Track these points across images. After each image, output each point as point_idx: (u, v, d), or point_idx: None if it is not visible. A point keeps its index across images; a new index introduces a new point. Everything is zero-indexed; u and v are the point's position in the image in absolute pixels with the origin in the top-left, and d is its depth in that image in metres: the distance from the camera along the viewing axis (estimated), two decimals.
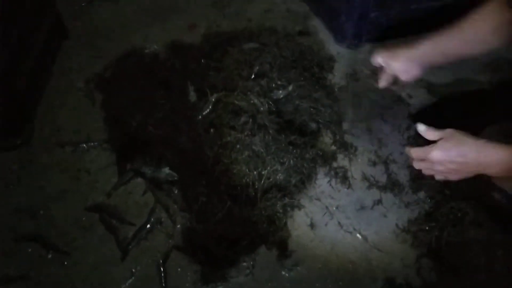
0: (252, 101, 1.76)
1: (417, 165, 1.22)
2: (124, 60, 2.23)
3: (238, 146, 1.65)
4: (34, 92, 2.19)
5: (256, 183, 1.62)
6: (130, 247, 1.63)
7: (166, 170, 1.84)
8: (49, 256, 1.63)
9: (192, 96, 1.92)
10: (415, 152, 1.20)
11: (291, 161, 1.66)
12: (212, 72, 1.95)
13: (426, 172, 1.22)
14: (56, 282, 1.57)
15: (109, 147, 1.98)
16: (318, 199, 1.72)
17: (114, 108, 2.05)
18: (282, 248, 1.57)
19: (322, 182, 1.79)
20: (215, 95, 1.80)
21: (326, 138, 1.88)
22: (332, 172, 1.78)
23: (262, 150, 1.63)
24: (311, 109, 1.78)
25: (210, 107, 1.81)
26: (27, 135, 2.05)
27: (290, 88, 1.78)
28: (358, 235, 1.63)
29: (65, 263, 1.61)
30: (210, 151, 1.68)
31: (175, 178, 1.82)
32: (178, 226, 1.69)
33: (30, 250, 1.65)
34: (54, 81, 2.32)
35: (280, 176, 1.64)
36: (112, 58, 2.33)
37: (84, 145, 2.00)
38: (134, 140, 1.93)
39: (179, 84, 1.96)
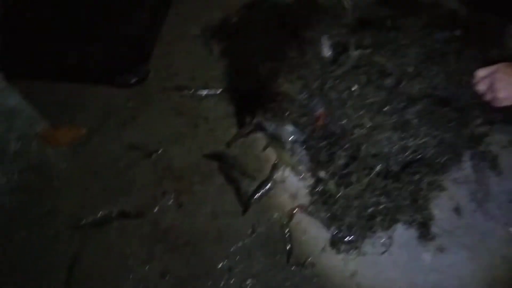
0: (401, 63, 1.56)
1: (480, 87, 1.33)
2: (249, 8, 2.08)
3: (385, 108, 1.45)
4: (150, 34, 2.10)
5: (401, 154, 1.42)
6: (251, 202, 1.49)
7: (290, 128, 1.69)
8: (166, 199, 1.53)
9: (327, 52, 1.74)
10: (481, 71, 1.32)
11: (443, 136, 1.44)
12: (351, 28, 1.75)
13: (487, 96, 1.32)
14: (171, 226, 1.47)
15: (228, 97, 1.85)
16: (465, 183, 1.50)
17: (235, 57, 1.92)
18: (424, 229, 1.38)
19: (468, 165, 1.56)
20: (359, 51, 1.61)
21: (477, 118, 1.64)
22: (481, 156, 1.55)
23: (413, 118, 1.43)
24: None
25: (350, 64, 1.62)
26: (142, 75, 1.97)
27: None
28: (511, 229, 1.40)
29: (181, 207, 1.50)
30: (351, 110, 1.50)
31: (301, 138, 1.66)
32: (304, 187, 1.52)
33: (146, 191, 1.55)
34: (169, 27, 2.22)
35: (428, 151, 1.43)
36: (233, 6, 2.19)
37: (202, 92, 1.88)
38: (257, 92, 1.78)
39: (313, 38, 1.78)
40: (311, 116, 1.61)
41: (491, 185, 1.51)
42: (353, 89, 1.54)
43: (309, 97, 1.61)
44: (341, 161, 1.45)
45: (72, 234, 1.43)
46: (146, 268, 1.37)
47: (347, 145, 1.47)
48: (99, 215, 1.47)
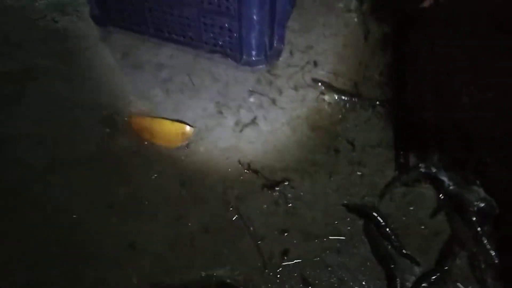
0: None
1: None
2: None
3: None
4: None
5: None
6: None
7: (481, 192, 1.13)
8: (286, 266, 1.07)
9: None
10: None
11: None
12: None
13: None
14: None
15: (388, 114, 1.29)
16: None
17: (410, 54, 1.32)
18: None
19: None
20: None
21: None
22: None
23: None
24: None
25: None
26: (272, 55, 1.45)
27: None
28: None
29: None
30: None
31: (495, 211, 1.10)
32: None
33: (261, 244, 1.11)
34: None
35: None
36: None
37: (349, 98, 1.33)
38: (430, 122, 1.21)
39: None
40: None
41: None
42: None
43: None
44: None
45: None
46: None
47: None
48: (192, 277, 1.05)
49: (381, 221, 1.12)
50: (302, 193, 1.18)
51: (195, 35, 1.37)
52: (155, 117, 1.31)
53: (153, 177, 1.20)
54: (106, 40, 1.48)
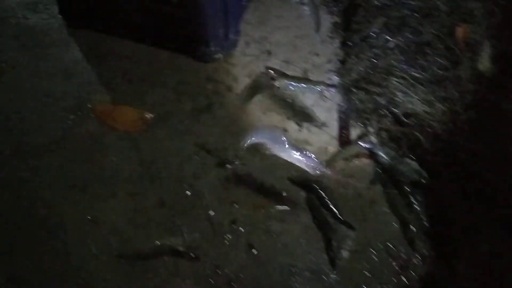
0: None
1: None
2: None
3: None
4: None
5: None
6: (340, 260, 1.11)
7: (413, 164, 1.24)
8: (234, 232, 1.17)
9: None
10: None
11: None
12: None
13: None
14: (235, 275, 1.12)
15: (331, 98, 1.41)
16: None
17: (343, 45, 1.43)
18: None
19: None
20: None
21: None
22: None
23: None
24: None
25: None
26: (227, 47, 1.55)
27: None
28: None
29: (252, 250, 1.16)
30: None
31: (422, 181, 1.21)
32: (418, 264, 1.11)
33: (212, 215, 1.20)
34: None
35: None
36: None
37: (298, 84, 1.44)
38: (368, 104, 1.33)
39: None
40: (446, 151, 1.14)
41: None
42: None
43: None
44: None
45: (111, 261, 1.13)
46: None
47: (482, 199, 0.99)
48: (147, 246, 1.15)
49: (322, 192, 1.22)
50: (251, 169, 1.28)
51: (155, 28, 1.47)
52: (117, 104, 1.40)
53: (114, 158, 1.30)
54: (74, 34, 1.57)
